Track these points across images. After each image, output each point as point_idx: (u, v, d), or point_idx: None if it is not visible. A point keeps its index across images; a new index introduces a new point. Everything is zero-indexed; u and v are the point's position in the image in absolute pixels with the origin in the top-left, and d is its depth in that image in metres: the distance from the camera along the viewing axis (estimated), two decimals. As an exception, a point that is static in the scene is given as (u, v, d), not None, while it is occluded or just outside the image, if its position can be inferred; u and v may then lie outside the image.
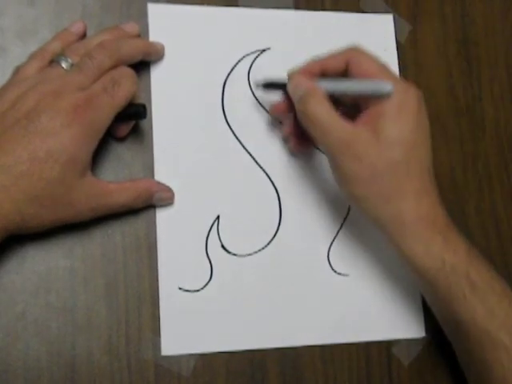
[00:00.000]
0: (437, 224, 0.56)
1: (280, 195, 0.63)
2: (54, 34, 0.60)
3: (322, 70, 0.59)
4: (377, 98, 0.57)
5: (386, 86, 0.56)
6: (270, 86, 0.61)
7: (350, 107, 0.60)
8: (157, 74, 0.62)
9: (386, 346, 0.62)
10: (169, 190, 0.60)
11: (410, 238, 0.56)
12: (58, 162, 0.53)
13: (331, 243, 0.63)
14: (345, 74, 0.59)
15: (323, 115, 0.57)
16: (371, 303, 0.63)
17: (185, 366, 0.58)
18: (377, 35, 0.68)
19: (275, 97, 0.62)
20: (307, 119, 0.58)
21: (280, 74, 0.61)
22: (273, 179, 0.63)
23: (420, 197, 0.56)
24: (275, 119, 0.63)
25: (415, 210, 0.56)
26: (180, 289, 0.59)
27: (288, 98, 0.60)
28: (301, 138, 0.62)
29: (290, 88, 0.59)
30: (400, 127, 0.56)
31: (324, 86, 0.58)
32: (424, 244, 0.56)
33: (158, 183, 0.60)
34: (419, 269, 0.56)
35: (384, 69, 0.58)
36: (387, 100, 0.57)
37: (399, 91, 0.57)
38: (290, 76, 0.60)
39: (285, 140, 0.63)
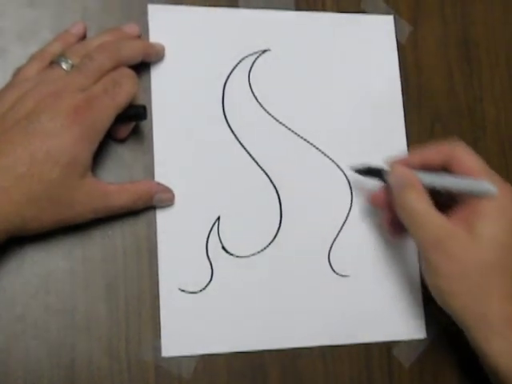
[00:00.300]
0: None
1: (280, 196, 0.63)
2: (54, 35, 0.60)
3: (422, 162, 0.59)
4: (477, 196, 0.57)
5: (489, 188, 0.56)
6: (367, 172, 0.61)
7: (445, 196, 0.59)
8: (157, 75, 0.62)
9: (386, 348, 0.62)
10: (169, 191, 0.60)
11: (494, 339, 0.55)
12: (58, 163, 0.53)
13: (332, 244, 0.63)
14: (444, 168, 0.59)
15: (421, 210, 0.56)
16: (372, 304, 0.62)
17: (185, 368, 0.58)
18: (377, 36, 0.68)
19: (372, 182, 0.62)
20: (404, 211, 0.57)
21: (281, 76, 0.61)
22: (273, 180, 0.63)
23: (509, 300, 0.56)
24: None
25: (502, 311, 0.55)
26: (180, 290, 0.59)
27: (385, 185, 0.60)
28: (398, 226, 0.60)
29: (390, 177, 0.59)
30: (498, 229, 0.56)
31: (425, 179, 0.58)
32: (508, 345, 0.55)
33: (158, 184, 0.60)
34: (501, 370, 0.55)
35: (487, 168, 0.58)
36: (487, 199, 0.56)
37: (500, 192, 0.56)
38: (391, 165, 0.60)
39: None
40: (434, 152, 0.59)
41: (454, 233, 0.56)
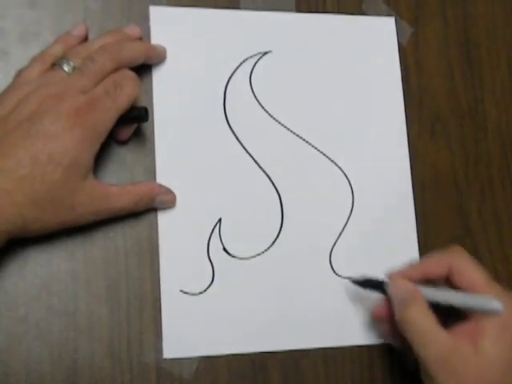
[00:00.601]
0: None
1: (282, 198, 0.63)
2: (55, 36, 0.60)
3: (423, 274, 0.58)
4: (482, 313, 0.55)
5: (495, 306, 0.54)
6: (366, 284, 0.60)
7: (448, 309, 0.57)
8: (158, 76, 0.62)
9: (388, 349, 0.62)
10: (170, 192, 0.60)
11: None
12: (60, 165, 0.53)
13: (333, 246, 0.63)
14: (446, 278, 0.58)
15: (424, 325, 0.55)
16: (373, 306, 0.62)
17: (186, 369, 0.58)
18: (378, 37, 0.68)
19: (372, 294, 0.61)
20: (406, 325, 0.56)
21: (282, 77, 0.61)
22: (274, 182, 0.63)
23: None
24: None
25: None
26: (182, 291, 0.59)
27: (386, 297, 0.59)
28: (397, 332, 0.58)
29: (390, 290, 0.58)
30: (501, 346, 0.55)
31: (427, 293, 0.56)
32: None
33: (160, 186, 0.60)
34: None
35: (490, 281, 0.57)
36: (492, 315, 0.55)
37: (506, 308, 0.55)
38: (391, 277, 0.59)
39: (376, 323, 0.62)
40: (435, 263, 0.58)
41: (457, 349, 0.54)
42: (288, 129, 0.64)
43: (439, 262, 0.58)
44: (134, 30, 0.61)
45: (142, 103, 0.60)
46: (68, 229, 0.57)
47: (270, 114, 0.64)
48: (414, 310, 0.56)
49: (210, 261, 0.60)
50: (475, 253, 0.66)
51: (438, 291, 0.57)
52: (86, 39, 0.61)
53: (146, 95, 0.61)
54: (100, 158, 0.58)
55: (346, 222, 0.64)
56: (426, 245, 0.65)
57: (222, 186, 0.62)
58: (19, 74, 0.58)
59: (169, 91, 0.62)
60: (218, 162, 0.62)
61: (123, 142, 0.60)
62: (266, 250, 0.62)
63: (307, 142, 0.64)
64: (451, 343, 0.54)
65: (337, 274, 0.63)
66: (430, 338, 0.55)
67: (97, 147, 0.56)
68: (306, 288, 0.62)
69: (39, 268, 0.57)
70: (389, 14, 0.69)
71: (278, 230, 0.62)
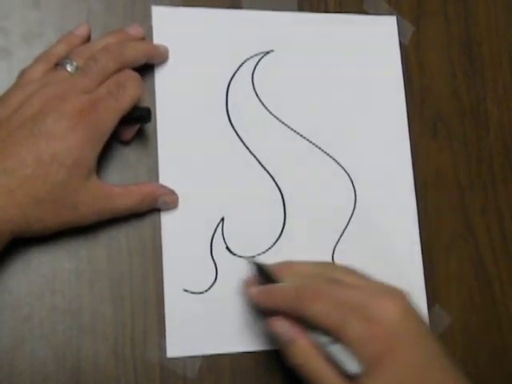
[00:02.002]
0: None
1: (284, 197, 0.63)
2: (58, 36, 0.60)
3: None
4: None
5: (354, 371, 0.52)
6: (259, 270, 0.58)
7: None
8: (161, 76, 0.62)
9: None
10: (173, 193, 0.60)
11: None
12: (63, 165, 0.53)
13: (335, 245, 0.63)
14: None
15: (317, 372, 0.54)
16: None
17: (190, 368, 0.58)
18: (380, 37, 0.68)
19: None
20: (304, 374, 0.54)
21: (284, 77, 0.61)
22: (277, 181, 0.63)
23: None
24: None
25: None
26: (185, 291, 0.59)
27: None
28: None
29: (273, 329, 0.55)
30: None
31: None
32: None
33: (163, 187, 0.60)
34: None
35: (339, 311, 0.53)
36: (362, 355, 0.52)
37: (369, 335, 0.52)
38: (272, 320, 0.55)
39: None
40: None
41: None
42: (290, 128, 0.64)
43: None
44: (136, 30, 0.62)
45: (145, 103, 0.60)
46: (71, 229, 0.57)
47: (272, 113, 0.64)
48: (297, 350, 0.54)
49: (213, 260, 0.60)
50: (477, 251, 0.66)
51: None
52: (88, 39, 0.61)
53: (149, 95, 0.61)
54: (103, 158, 0.58)
55: (349, 221, 0.64)
56: (428, 243, 0.65)
57: (224, 186, 0.62)
58: (22, 73, 0.58)
59: (171, 91, 0.62)
60: (220, 161, 0.62)
61: (126, 143, 0.60)
62: (268, 249, 0.62)
63: (309, 140, 0.64)
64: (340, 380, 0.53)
65: (339, 273, 0.63)
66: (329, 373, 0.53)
67: (100, 147, 0.56)
68: (308, 287, 0.62)
69: (43, 267, 0.57)
70: (390, 13, 0.69)
71: (280, 228, 0.62)
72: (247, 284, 0.58)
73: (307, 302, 0.54)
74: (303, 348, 0.54)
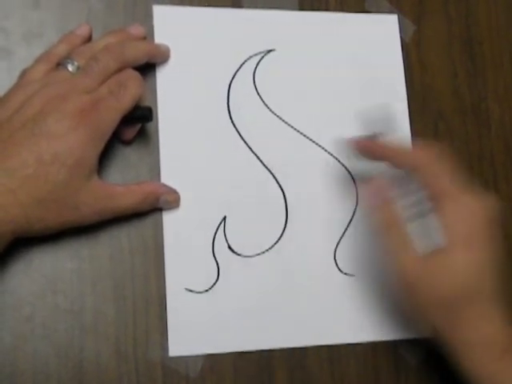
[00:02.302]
0: (496, 347, 0.56)
1: (286, 196, 0.63)
2: (59, 36, 0.60)
3: (383, 157, 0.59)
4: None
5: (439, 243, 0.56)
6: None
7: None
8: (162, 76, 0.62)
9: (393, 346, 0.62)
10: (174, 192, 0.60)
11: (469, 359, 0.56)
12: (64, 164, 0.53)
13: (337, 243, 0.63)
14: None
15: (398, 251, 0.57)
16: (378, 303, 0.63)
17: (192, 367, 0.58)
18: (381, 35, 0.68)
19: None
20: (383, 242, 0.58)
21: (286, 75, 0.61)
22: (279, 180, 0.63)
23: (482, 323, 0.56)
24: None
25: (476, 334, 0.56)
26: (187, 290, 0.59)
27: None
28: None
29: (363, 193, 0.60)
30: (468, 259, 0.56)
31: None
32: (482, 367, 0.56)
33: (164, 186, 0.60)
34: None
35: (456, 186, 0.57)
36: (455, 230, 0.56)
37: (466, 217, 0.56)
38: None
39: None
40: (402, 155, 0.59)
41: (428, 268, 0.56)
42: (292, 127, 0.64)
43: (407, 155, 0.59)
44: (137, 29, 0.62)
45: (146, 102, 0.60)
46: (72, 228, 0.57)
47: (273, 112, 0.64)
48: (390, 236, 0.57)
49: (215, 259, 0.60)
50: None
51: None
52: (89, 39, 0.61)
53: (150, 94, 0.61)
54: (104, 157, 0.58)
55: (351, 220, 0.64)
56: (430, 242, 0.65)
57: (226, 184, 0.62)
58: (23, 73, 0.58)
59: (173, 90, 0.62)
60: (222, 160, 0.62)
61: (127, 142, 0.60)
62: (270, 248, 0.62)
63: (311, 139, 0.64)
64: (422, 263, 0.56)
65: (342, 272, 0.63)
66: (403, 262, 0.56)
67: (101, 147, 0.56)
68: (310, 285, 0.62)
69: (44, 267, 0.57)
70: (391, 12, 0.69)
71: (282, 227, 0.62)
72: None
73: (431, 161, 0.57)
74: (390, 214, 0.57)
